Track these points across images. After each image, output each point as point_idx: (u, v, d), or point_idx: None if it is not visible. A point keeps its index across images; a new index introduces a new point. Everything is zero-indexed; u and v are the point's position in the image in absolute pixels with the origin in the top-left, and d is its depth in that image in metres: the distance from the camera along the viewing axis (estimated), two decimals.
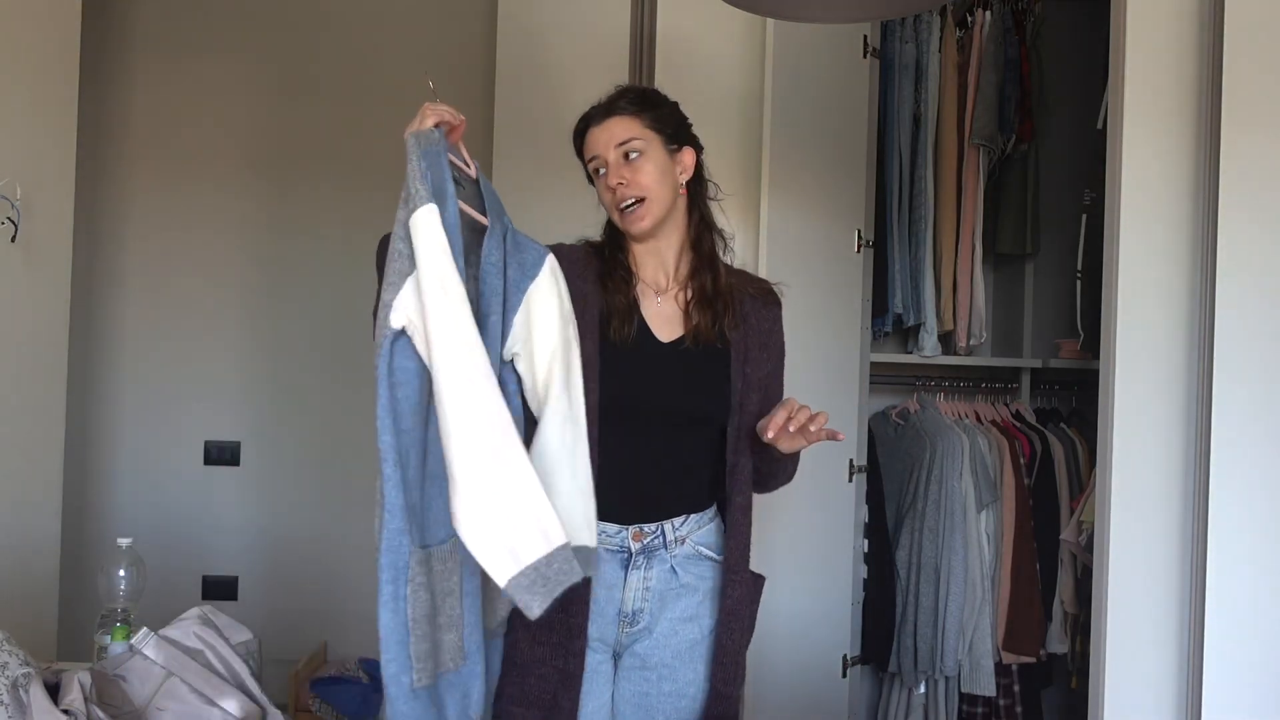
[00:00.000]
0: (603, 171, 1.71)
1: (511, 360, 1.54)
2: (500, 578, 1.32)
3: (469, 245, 1.46)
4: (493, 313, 1.48)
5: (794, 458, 1.75)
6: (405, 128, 1.45)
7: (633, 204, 1.69)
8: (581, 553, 1.47)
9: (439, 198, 1.37)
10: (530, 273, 1.53)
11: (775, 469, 1.78)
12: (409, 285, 1.35)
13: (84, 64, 2.75)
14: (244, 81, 3.52)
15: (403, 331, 1.36)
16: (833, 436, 1.61)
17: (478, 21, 3.44)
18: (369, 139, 3.44)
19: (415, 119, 1.47)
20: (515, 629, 1.66)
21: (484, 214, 1.53)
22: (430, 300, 1.33)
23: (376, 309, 1.39)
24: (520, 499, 1.34)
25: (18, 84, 2.48)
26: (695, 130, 1.80)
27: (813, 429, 1.59)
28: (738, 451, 1.73)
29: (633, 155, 1.69)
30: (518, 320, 1.52)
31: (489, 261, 1.49)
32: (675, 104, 1.79)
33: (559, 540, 1.35)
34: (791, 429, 1.58)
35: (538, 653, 1.66)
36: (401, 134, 1.43)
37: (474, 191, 1.55)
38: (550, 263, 1.57)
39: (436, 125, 1.46)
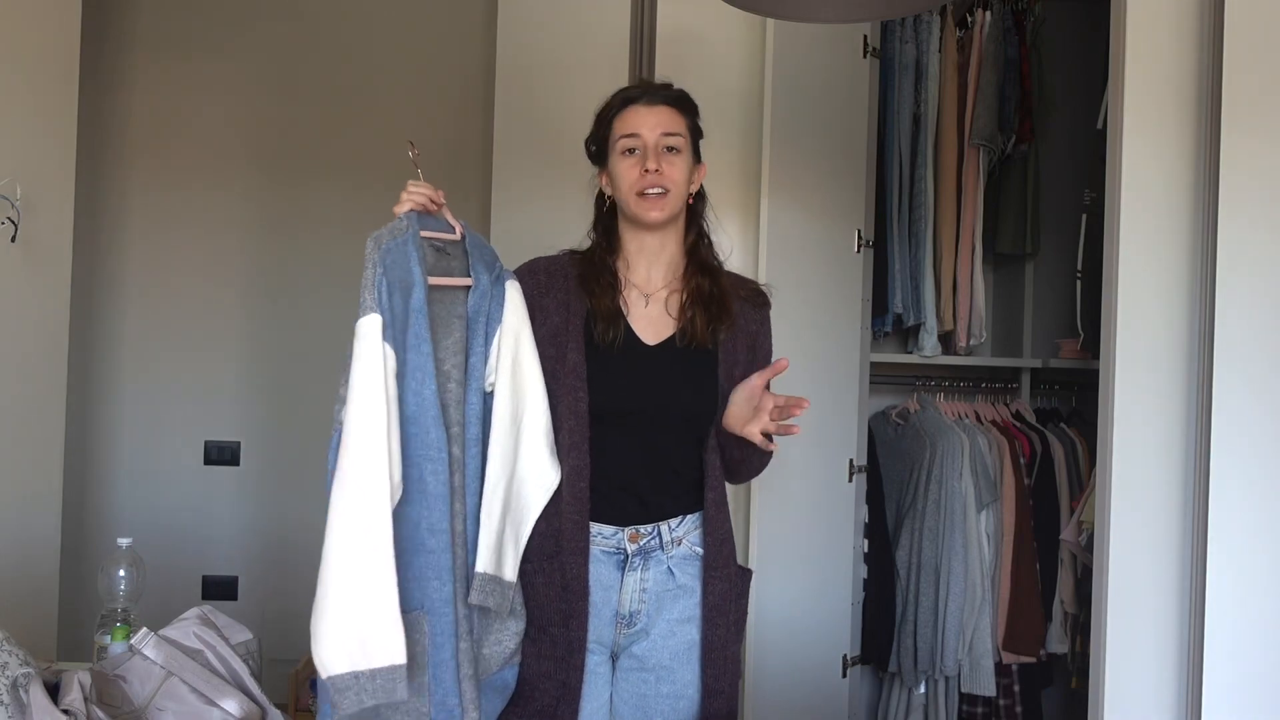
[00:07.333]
0: (637, 151, 1.70)
1: (491, 390, 1.65)
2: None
3: (453, 305, 1.62)
4: (474, 353, 1.64)
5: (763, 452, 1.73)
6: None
7: (659, 192, 1.70)
8: (496, 584, 1.59)
9: (404, 290, 1.51)
10: (499, 313, 1.67)
11: (746, 454, 1.75)
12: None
13: (84, 64, 2.75)
14: (244, 81, 3.52)
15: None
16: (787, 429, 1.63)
17: (478, 21, 3.44)
18: (369, 139, 3.45)
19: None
20: (522, 647, 1.70)
21: (467, 273, 1.65)
22: (352, 407, 1.47)
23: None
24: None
25: (18, 84, 2.48)
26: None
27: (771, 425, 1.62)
28: (713, 449, 1.74)
29: (673, 149, 1.71)
30: (491, 353, 1.66)
31: (474, 312, 1.65)
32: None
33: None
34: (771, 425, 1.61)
35: (543, 667, 1.69)
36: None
37: (460, 252, 1.67)
38: (512, 297, 1.67)
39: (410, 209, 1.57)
